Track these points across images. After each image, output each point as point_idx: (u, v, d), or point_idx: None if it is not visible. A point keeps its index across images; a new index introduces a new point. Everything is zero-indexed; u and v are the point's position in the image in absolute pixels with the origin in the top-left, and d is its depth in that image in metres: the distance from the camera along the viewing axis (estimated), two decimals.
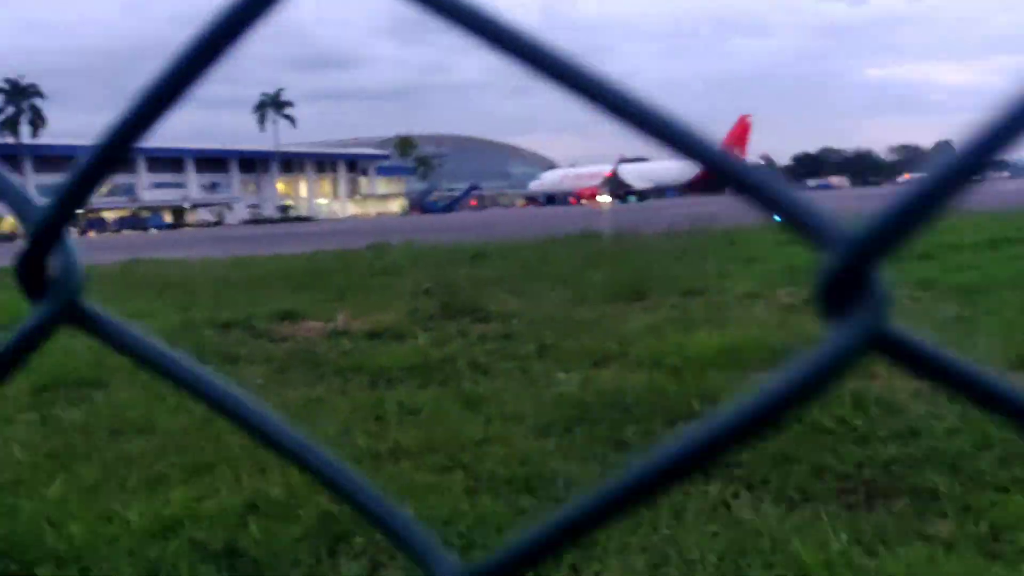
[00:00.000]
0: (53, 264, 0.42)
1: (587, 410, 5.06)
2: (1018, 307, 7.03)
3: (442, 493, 3.96)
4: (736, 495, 3.80)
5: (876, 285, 0.32)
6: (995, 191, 44.62)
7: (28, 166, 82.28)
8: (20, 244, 0.42)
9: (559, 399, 5.36)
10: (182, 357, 0.47)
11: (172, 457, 4.56)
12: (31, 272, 0.41)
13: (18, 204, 0.42)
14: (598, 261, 13.75)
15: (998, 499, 3.52)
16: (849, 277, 0.32)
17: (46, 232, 0.41)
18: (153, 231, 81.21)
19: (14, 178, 0.44)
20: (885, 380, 4.95)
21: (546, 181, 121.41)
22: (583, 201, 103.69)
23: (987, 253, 11.25)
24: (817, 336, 0.33)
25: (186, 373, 0.47)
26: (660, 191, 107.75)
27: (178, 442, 4.78)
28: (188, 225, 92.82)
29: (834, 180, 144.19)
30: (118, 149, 0.41)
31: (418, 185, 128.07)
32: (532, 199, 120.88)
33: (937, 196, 0.32)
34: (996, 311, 6.61)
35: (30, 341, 0.43)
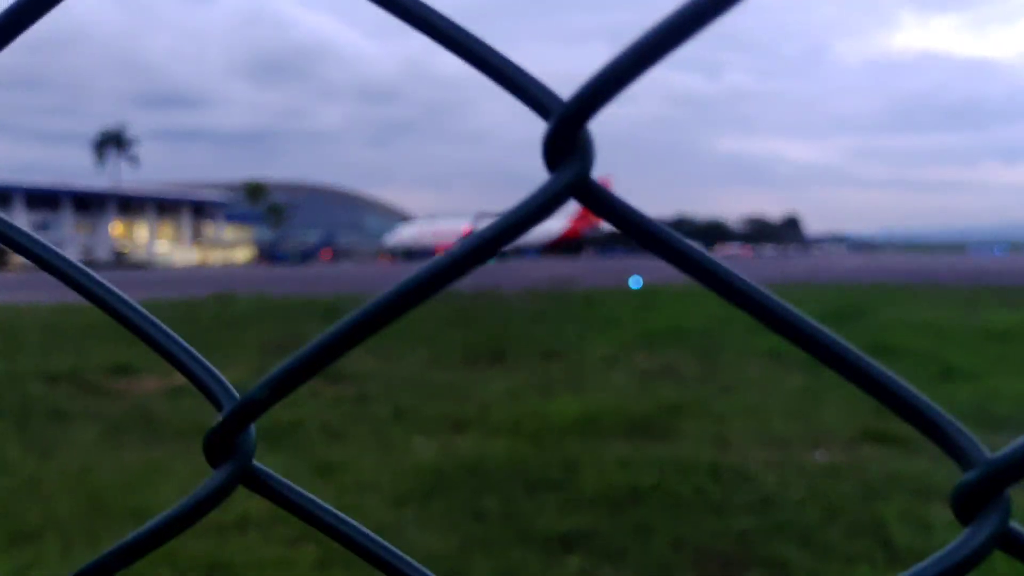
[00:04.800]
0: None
1: (445, 478, 4.91)
2: None
3: (291, 567, 3.71)
4: (597, 568, 3.75)
5: (1005, 499, 0.37)
6: (837, 266, 48.28)
7: None
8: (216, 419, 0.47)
9: (416, 467, 5.19)
10: (344, 518, 0.48)
11: None
12: (220, 443, 0.46)
13: (214, 390, 0.48)
14: (456, 321, 13.69)
15: (846, 570, 3.63)
16: (985, 491, 0.37)
17: (244, 414, 0.45)
18: None
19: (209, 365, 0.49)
20: (740, 450, 5.08)
21: (402, 235, 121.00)
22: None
23: (831, 326, 11.86)
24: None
25: (351, 529, 0.48)
26: (520, 250, 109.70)
27: (1, 505, 4.28)
28: (12, 267, 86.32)
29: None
30: (325, 357, 0.43)
31: (267, 234, 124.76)
32: (393, 254, 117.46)
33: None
34: (839, 384, 6.95)
35: (212, 500, 0.47)
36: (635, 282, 26.41)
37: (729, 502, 4.38)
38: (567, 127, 0.39)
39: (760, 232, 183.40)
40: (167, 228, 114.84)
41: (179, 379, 6.29)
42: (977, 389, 7.25)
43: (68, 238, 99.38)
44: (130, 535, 0.48)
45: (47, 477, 5.07)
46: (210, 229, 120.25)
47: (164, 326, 0.51)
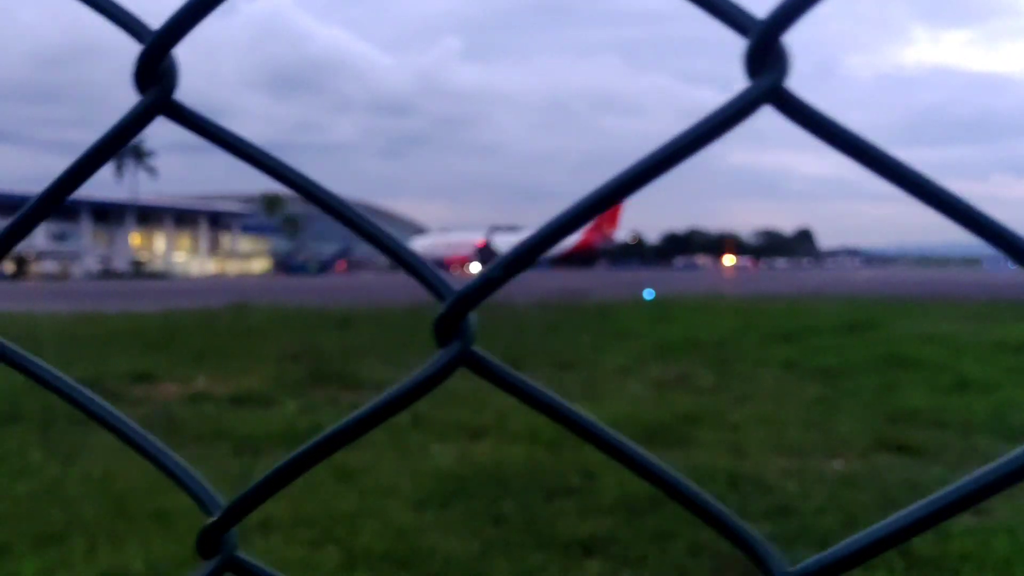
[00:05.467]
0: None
1: (465, 484, 4.96)
2: (874, 390, 7.47)
3: (315, 569, 3.76)
4: (616, 573, 3.79)
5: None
6: (850, 279, 48.13)
7: None
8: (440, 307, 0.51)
9: (436, 472, 5.24)
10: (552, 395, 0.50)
11: (18, 525, 4.14)
12: (446, 326, 0.50)
13: (437, 284, 0.52)
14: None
15: None
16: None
17: (468, 301, 0.50)
18: None
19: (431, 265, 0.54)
20: (756, 459, 5.10)
21: (416, 247, 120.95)
22: (453, 269, 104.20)
23: (846, 337, 11.96)
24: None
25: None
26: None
27: (25, 508, 4.36)
28: (31, 276, 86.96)
29: (700, 260, 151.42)
30: (528, 258, 0.49)
31: (283, 245, 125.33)
32: None
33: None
34: (855, 393, 7.00)
35: (435, 378, 0.51)
36: (648, 294, 26.43)
37: (747, 510, 4.41)
38: (764, 41, 0.43)
39: (773, 245, 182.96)
40: (185, 239, 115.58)
41: (199, 385, 6.43)
42: (993, 401, 7.25)
43: (87, 248, 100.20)
44: (355, 414, 0.53)
45: (71, 481, 5.14)
46: (227, 240, 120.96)
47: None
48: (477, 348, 0.49)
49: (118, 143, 0.53)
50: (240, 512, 0.57)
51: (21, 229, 0.59)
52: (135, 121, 0.53)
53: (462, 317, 0.49)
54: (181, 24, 0.52)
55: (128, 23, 0.54)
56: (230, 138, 0.54)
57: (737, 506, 4.48)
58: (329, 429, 0.52)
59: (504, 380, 0.50)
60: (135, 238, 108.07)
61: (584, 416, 0.48)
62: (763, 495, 4.63)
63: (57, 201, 0.57)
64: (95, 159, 0.55)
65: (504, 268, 0.48)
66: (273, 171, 0.55)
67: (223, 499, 0.61)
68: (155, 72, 0.52)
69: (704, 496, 0.46)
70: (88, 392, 0.62)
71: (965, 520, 4.14)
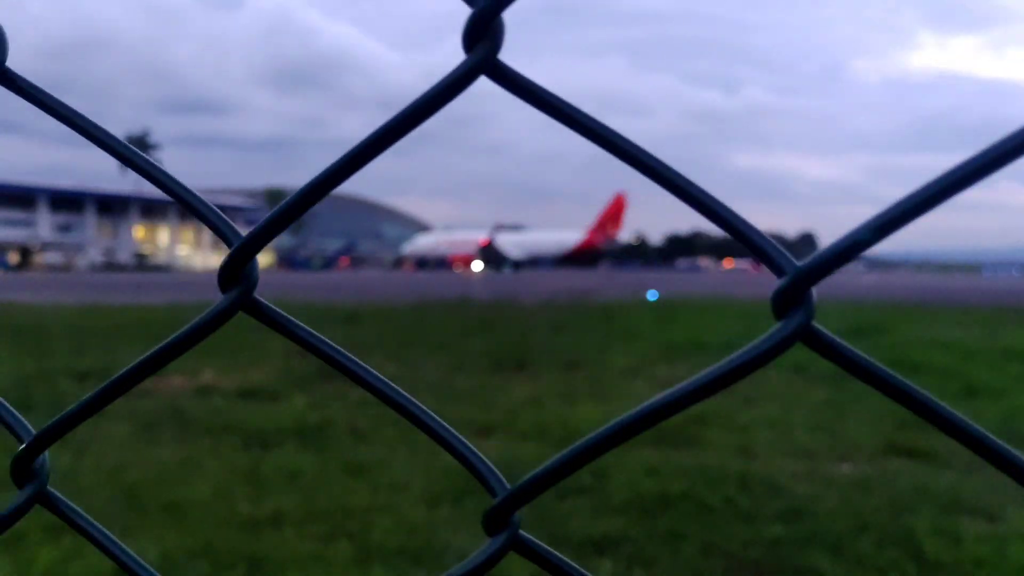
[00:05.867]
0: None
1: (476, 481, 4.95)
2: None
3: (328, 563, 3.77)
4: (629, 572, 3.79)
5: (809, 299, 0.44)
6: (854, 283, 48.00)
7: None
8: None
9: (446, 469, 5.24)
10: (333, 345, 0.58)
11: (32, 513, 4.14)
12: (228, 275, 0.57)
13: (224, 230, 0.58)
14: (477, 329, 13.75)
15: None
16: (793, 293, 0.44)
17: (245, 251, 0.56)
18: None
19: (215, 207, 0.60)
20: (766, 461, 5.10)
21: (420, 244, 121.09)
22: (456, 267, 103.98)
23: (853, 341, 11.81)
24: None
25: (341, 356, 0.58)
26: (535, 261, 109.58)
27: None
28: (35, 267, 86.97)
29: (702, 262, 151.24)
30: (312, 197, 0.54)
31: (287, 240, 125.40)
32: (420, 264, 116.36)
33: (848, 252, 0.43)
34: (863, 397, 6.98)
35: (216, 320, 0.57)
36: (652, 295, 26.42)
37: (759, 511, 4.41)
38: (482, 17, 0.46)
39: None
40: (188, 232, 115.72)
41: (206, 378, 6.43)
42: (1002, 407, 7.24)
43: (91, 240, 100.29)
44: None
45: (83, 472, 5.15)
46: None
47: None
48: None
49: (439, 103, 0.48)
50: (524, 497, 0.54)
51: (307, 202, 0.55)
52: (460, 80, 0.48)
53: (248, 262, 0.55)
54: None
55: None
56: (561, 104, 0.48)
57: (749, 508, 4.48)
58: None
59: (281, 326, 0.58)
60: (139, 231, 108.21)
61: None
62: (774, 497, 4.62)
63: (340, 180, 0.53)
64: (410, 121, 0.49)
65: None
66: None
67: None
68: (485, 31, 0.47)
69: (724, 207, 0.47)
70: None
71: (979, 526, 4.14)
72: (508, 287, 31.90)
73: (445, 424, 0.57)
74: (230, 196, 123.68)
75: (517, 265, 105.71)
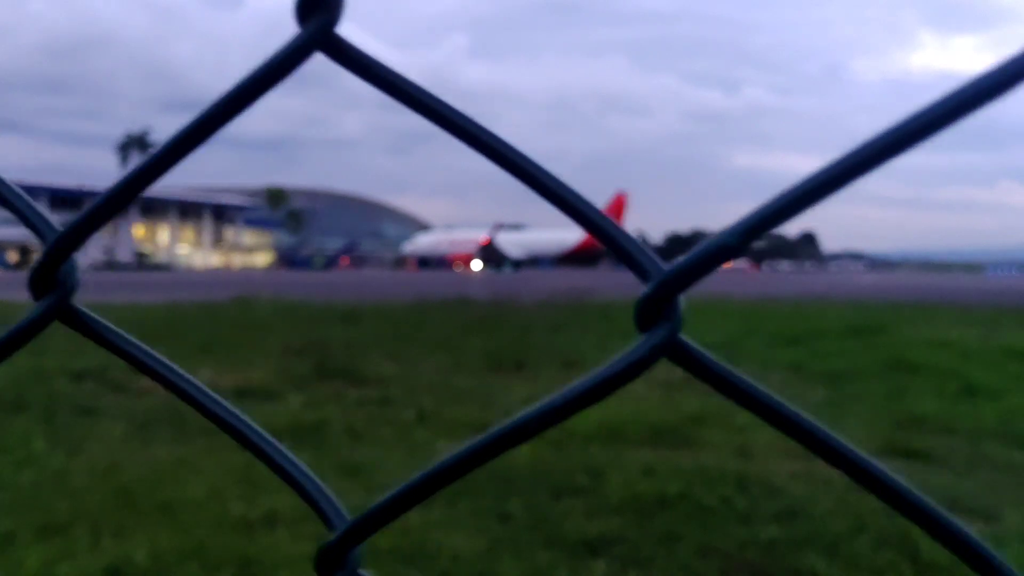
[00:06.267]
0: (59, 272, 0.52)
1: (471, 482, 4.93)
2: (881, 394, 7.44)
3: None
4: (623, 573, 3.77)
5: (676, 309, 0.41)
6: (854, 283, 48.08)
7: None
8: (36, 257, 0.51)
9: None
10: (157, 355, 0.52)
11: (22, 514, 4.13)
12: (41, 278, 0.51)
13: (39, 226, 0.53)
14: (475, 329, 13.73)
15: None
16: (659, 302, 0.41)
17: (60, 250, 0.51)
18: None
19: (33, 203, 0.54)
20: (764, 461, 5.08)
21: (420, 243, 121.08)
22: (456, 266, 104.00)
23: (852, 341, 11.91)
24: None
25: (164, 368, 0.52)
26: (535, 260, 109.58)
27: (28, 498, 4.34)
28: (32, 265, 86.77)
29: None
30: (131, 192, 0.50)
31: (286, 239, 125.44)
32: (422, 263, 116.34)
33: (716, 256, 0.39)
34: (861, 397, 6.97)
35: (28, 331, 0.51)
36: None
37: (755, 512, 4.39)
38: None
39: (776, 248, 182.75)
40: (188, 231, 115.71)
41: (204, 377, 6.33)
42: (1000, 407, 7.22)
43: (90, 239, 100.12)
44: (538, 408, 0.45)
45: (75, 472, 5.13)
46: (230, 233, 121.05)
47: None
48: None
49: (271, 81, 0.45)
50: (365, 530, 0.50)
51: (105, 212, 0.52)
52: (293, 56, 0.45)
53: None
54: None
55: None
56: (399, 81, 0.45)
57: (745, 508, 4.46)
58: (501, 426, 0.46)
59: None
60: (139, 230, 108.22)
61: (791, 410, 0.43)
62: (771, 498, 4.60)
63: (171, 163, 0.49)
64: (242, 99, 0.45)
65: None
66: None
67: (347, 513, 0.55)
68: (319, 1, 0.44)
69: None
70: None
71: (975, 527, 4.12)
72: (508, 286, 31.89)
73: (284, 452, 0.53)
74: (230, 195, 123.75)
75: (517, 264, 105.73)
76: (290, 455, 0.52)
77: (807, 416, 0.43)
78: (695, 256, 0.40)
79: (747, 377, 0.42)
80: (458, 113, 0.45)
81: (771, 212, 0.38)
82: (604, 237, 0.44)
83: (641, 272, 0.42)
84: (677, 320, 0.41)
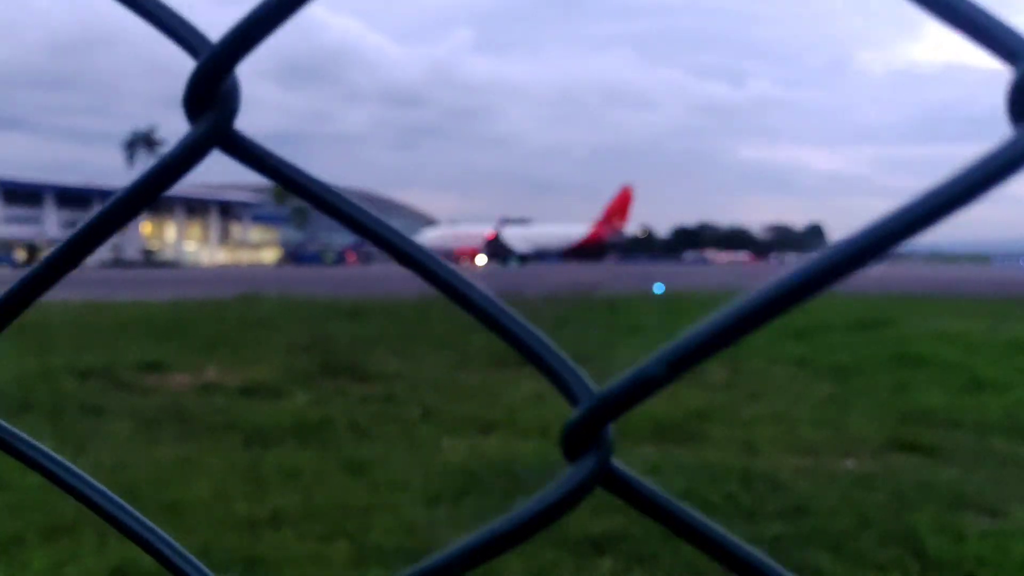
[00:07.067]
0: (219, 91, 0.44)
1: (476, 479, 4.94)
2: (887, 388, 7.42)
3: (326, 563, 3.75)
4: (628, 570, 3.77)
5: (606, 436, 0.38)
6: (861, 275, 47.74)
7: None
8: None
9: (447, 467, 5.22)
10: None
11: (28, 516, 4.14)
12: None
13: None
14: (480, 325, 13.70)
15: None
16: (589, 428, 0.38)
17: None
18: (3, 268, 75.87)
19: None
20: (769, 457, 5.07)
21: (426, 238, 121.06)
22: (462, 260, 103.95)
23: (858, 335, 11.86)
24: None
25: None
26: (541, 255, 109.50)
27: (35, 500, 4.35)
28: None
29: (709, 254, 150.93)
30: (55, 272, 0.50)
31: (293, 235, 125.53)
32: None
33: (645, 385, 0.37)
34: (867, 392, 6.95)
35: (186, 158, 0.45)
36: (658, 288, 26.36)
37: (760, 508, 4.38)
38: (208, 74, 0.42)
39: (783, 240, 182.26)
40: (195, 228, 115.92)
41: (209, 375, 6.40)
42: (1007, 400, 7.19)
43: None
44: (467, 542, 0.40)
45: (81, 471, 5.15)
46: (237, 230, 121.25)
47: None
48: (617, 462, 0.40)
49: (168, 180, 0.44)
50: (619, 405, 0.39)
51: (45, 278, 0.52)
52: (188, 155, 0.44)
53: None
54: (250, 35, 0.42)
55: (180, 32, 0.45)
56: (295, 175, 0.45)
57: (750, 505, 4.45)
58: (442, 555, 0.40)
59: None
60: (146, 227, 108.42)
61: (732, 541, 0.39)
62: (776, 494, 4.59)
63: (82, 254, 0.49)
64: (139, 198, 0.45)
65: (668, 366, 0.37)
66: (341, 213, 0.45)
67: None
68: (213, 95, 0.43)
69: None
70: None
71: (981, 523, 4.11)
72: (514, 281, 31.87)
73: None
74: (237, 192, 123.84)
75: (523, 259, 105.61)
76: (529, 325, 0.43)
77: (747, 546, 0.40)
78: (624, 384, 0.37)
79: (683, 505, 0.40)
80: (356, 207, 0.44)
81: (700, 341, 0.35)
82: (531, 356, 0.42)
83: (569, 395, 0.40)
84: (607, 447, 0.39)
